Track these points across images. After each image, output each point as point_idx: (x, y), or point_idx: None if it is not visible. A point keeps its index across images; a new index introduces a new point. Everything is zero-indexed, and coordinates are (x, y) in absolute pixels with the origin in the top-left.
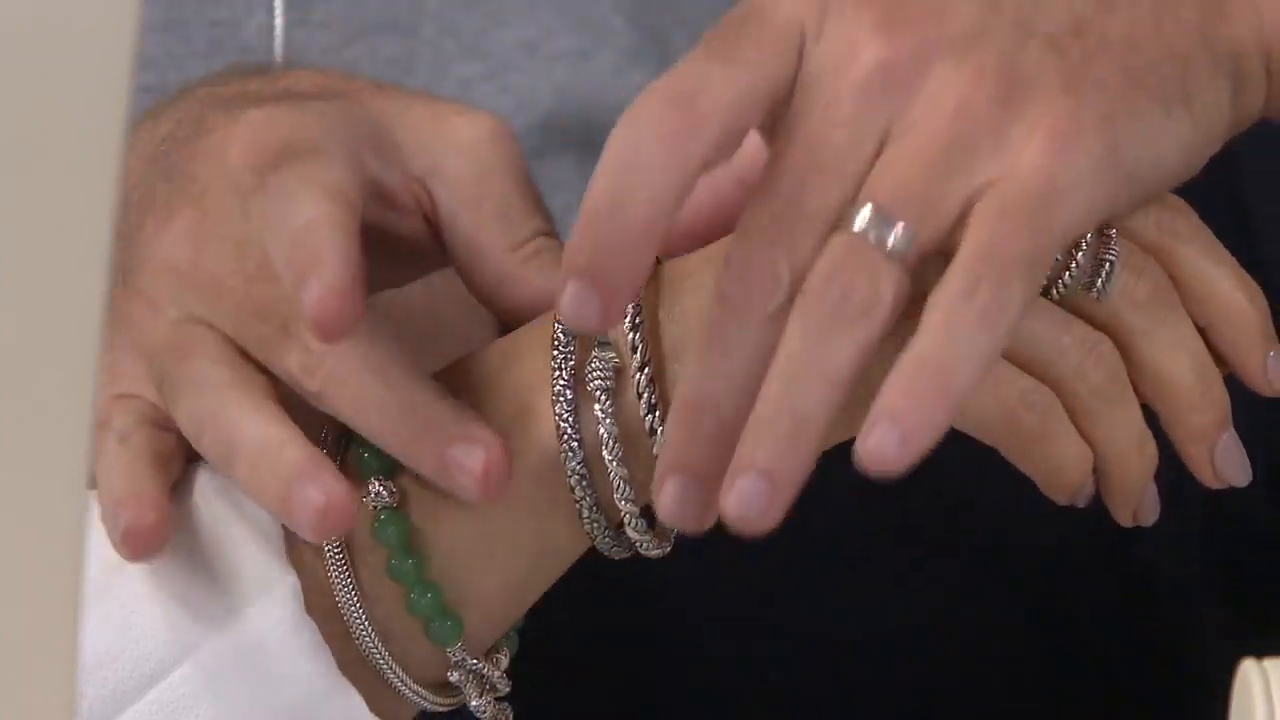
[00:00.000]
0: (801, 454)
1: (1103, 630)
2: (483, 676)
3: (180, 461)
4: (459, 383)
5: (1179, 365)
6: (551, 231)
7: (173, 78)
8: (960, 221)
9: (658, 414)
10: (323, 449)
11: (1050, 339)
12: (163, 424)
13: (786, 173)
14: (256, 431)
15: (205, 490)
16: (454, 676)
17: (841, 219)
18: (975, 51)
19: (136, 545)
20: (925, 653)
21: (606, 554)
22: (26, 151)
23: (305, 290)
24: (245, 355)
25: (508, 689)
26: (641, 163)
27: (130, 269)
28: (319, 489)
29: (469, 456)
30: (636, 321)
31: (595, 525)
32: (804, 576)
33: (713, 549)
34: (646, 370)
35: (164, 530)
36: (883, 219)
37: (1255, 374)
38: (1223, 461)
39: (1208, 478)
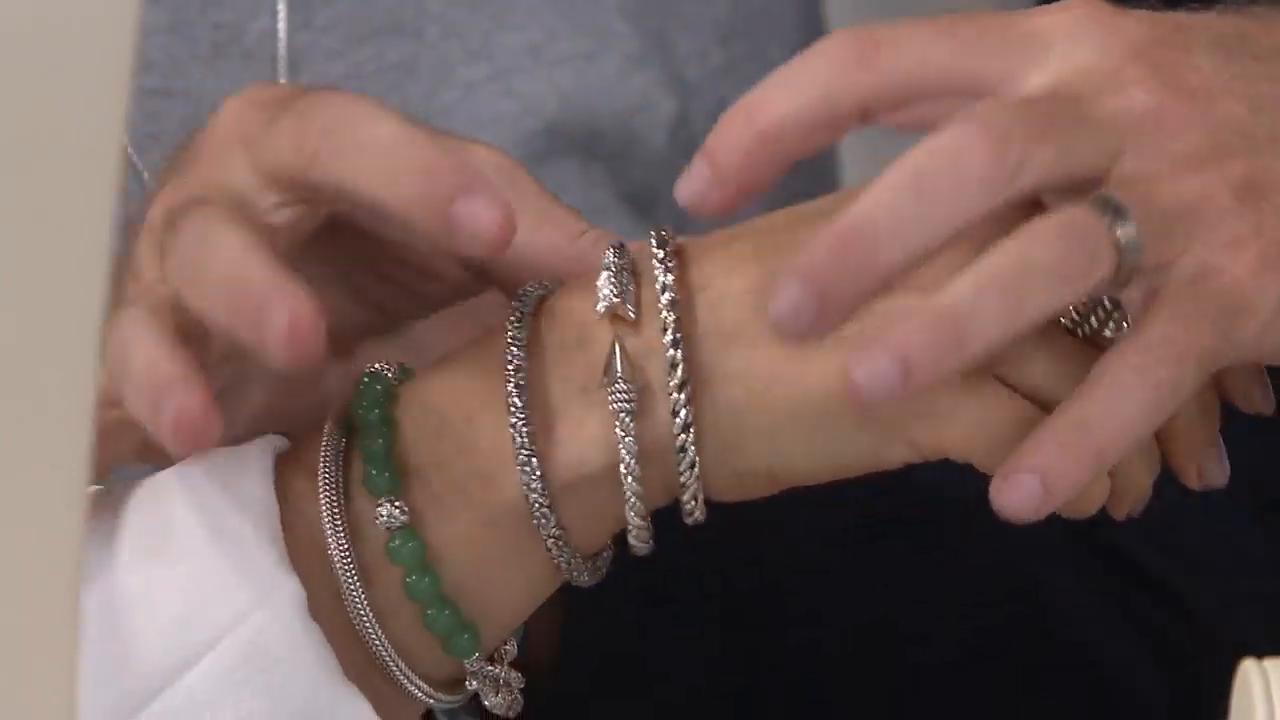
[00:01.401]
0: (953, 358)
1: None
2: (498, 678)
3: (205, 347)
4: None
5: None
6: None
7: (176, 80)
8: (1148, 278)
9: (692, 432)
10: (323, 463)
11: (1077, 375)
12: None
13: (1060, 102)
14: (226, 257)
15: (201, 495)
16: (472, 685)
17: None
18: (1234, 152)
19: (187, 434)
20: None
21: (574, 582)
22: (26, 151)
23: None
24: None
25: (521, 684)
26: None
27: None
28: (283, 310)
29: (485, 208)
30: (676, 338)
31: (560, 551)
32: (784, 570)
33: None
34: (685, 390)
35: (216, 418)
36: (1127, 219)
37: (1253, 401)
38: (1207, 468)
39: (1192, 482)
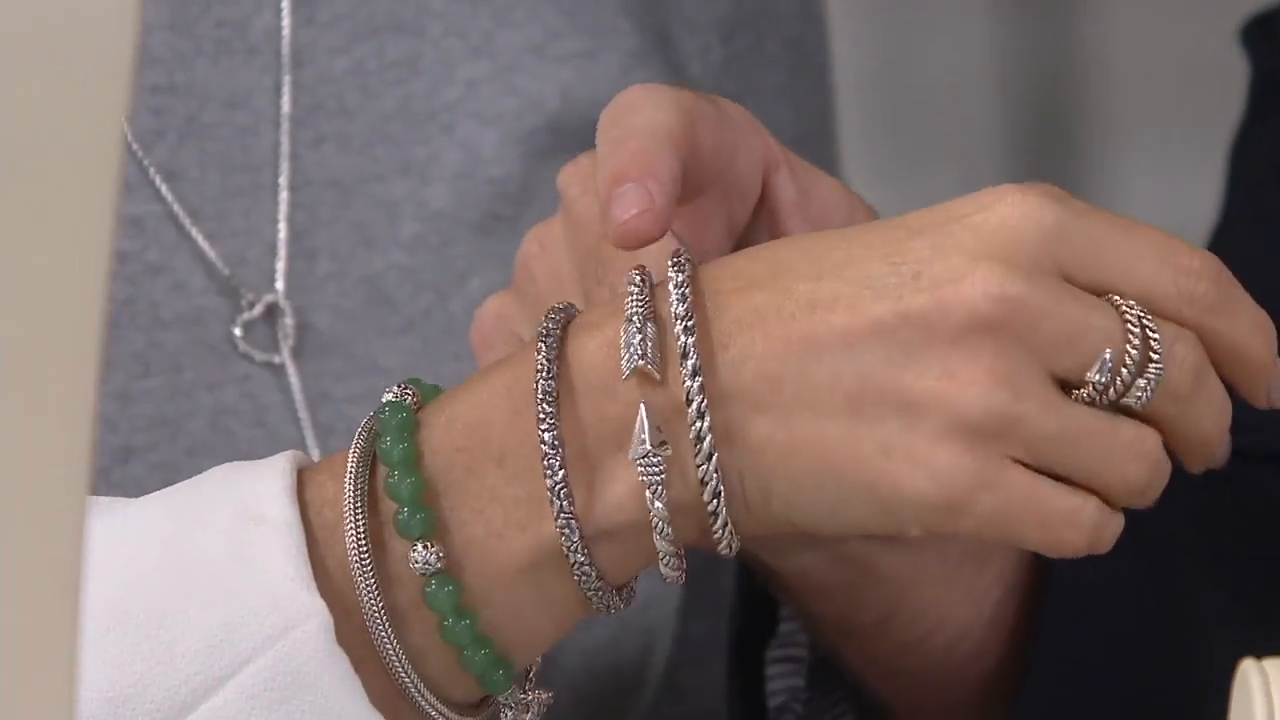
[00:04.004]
0: None
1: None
2: (528, 704)
3: None
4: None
5: (1209, 428)
6: None
7: (179, 77)
8: None
9: (721, 498)
10: (348, 499)
11: (1096, 447)
12: None
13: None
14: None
15: (229, 519)
16: (507, 716)
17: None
18: None
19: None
20: None
21: (607, 614)
22: (27, 150)
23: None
24: None
25: (551, 701)
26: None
27: None
28: (636, 198)
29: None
30: (702, 410)
31: (595, 593)
32: None
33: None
34: (713, 460)
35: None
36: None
37: (1259, 399)
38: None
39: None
